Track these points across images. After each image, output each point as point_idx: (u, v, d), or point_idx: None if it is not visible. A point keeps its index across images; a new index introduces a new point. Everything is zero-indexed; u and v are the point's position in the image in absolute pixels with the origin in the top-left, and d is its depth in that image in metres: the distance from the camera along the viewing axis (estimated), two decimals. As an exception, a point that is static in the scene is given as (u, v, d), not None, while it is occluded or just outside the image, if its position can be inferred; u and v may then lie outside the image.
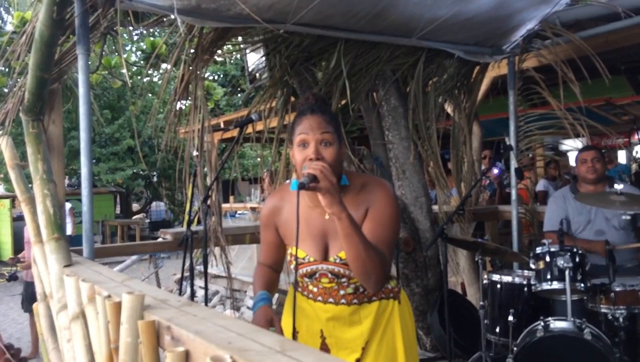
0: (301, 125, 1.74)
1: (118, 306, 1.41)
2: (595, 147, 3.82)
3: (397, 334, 1.88)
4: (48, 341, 2.51)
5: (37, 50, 2.53)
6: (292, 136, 1.79)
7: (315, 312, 1.88)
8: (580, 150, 3.67)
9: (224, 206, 11.37)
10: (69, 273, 2.04)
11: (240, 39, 3.66)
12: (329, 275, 1.82)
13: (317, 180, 1.56)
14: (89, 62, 4.81)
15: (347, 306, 1.84)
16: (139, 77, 8.76)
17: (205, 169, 3.35)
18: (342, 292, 1.84)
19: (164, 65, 3.63)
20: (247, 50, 3.84)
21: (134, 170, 16.85)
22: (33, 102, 2.78)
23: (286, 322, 1.98)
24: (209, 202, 3.05)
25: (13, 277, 5.75)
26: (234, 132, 2.94)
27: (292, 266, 1.85)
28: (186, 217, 3.14)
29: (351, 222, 1.59)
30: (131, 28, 3.11)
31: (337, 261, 1.78)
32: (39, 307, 2.68)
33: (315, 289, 1.87)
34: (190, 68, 3.22)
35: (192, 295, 2.83)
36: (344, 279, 1.82)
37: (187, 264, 2.92)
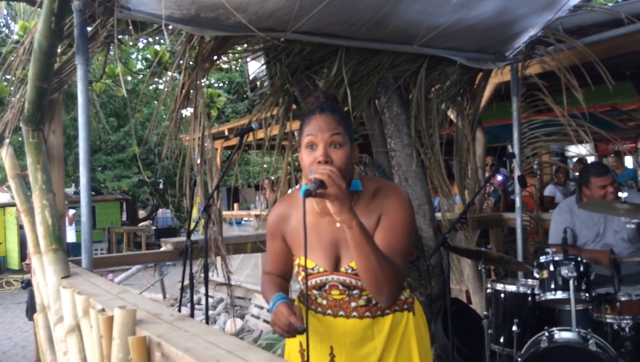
0: (309, 125, 1.64)
1: (110, 321, 1.39)
2: (607, 169, 3.60)
3: (413, 350, 1.79)
4: (47, 353, 2.49)
5: (36, 60, 2.52)
6: (300, 137, 1.69)
7: (324, 327, 1.78)
8: (595, 175, 3.45)
9: (230, 213, 11.39)
10: (65, 285, 2.03)
11: (239, 47, 3.66)
12: (340, 286, 1.73)
13: (324, 186, 1.46)
14: (95, 70, 4.83)
15: (360, 320, 1.75)
16: (145, 85, 8.81)
17: (207, 177, 3.34)
18: (353, 304, 1.75)
19: (170, 73, 3.64)
20: (248, 59, 3.83)
21: (140, 178, 16.92)
22: (33, 112, 2.78)
23: (292, 341, 1.88)
24: (209, 211, 3.03)
25: (28, 284, 5.82)
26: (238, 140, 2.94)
27: (300, 278, 1.78)
28: (192, 225, 3.12)
29: (362, 231, 1.49)
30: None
31: (349, 271, 1.69)
32: (38, 318, 2.67)
33: (324, 302, 1.78)
34: (191, 77, 3.21)
35: (192, 307, 2.81)
36: (355, 291, 1.73)
37: (194, 273, 2.91)
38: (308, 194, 1.45)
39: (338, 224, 1.68)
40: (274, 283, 1.79)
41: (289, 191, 4.06)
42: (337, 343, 1.76)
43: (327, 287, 1.75)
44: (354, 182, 1.71)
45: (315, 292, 1.78)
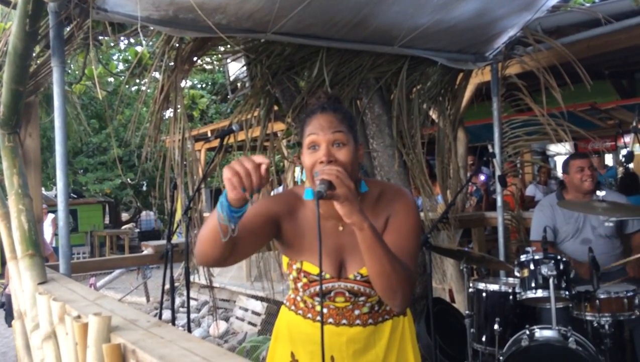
0: (310, 125, 1.58)
1: (85, 328, 1.37)
2: (587, 154, 3.70)
3: (409, 353, 1.75)
4: (24, 360, 2.46)
5: (11, 63, 2.49)
6: (301, 139, 1.62)
7: (326, 336, 1.65)
8: (573, 157, 3.52)
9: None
10: (42, 291, 1.99)
11: (221, 48, 3.63)
12: (347, 294, 1.66)
13: (333, 187, 1.37)
14: (76, 71, 4.75)
15: (363, 327, 1.69)
16: (127, 87, 8.71)
17: (187, 178, 3.32)
18: (356, 312, 1.69)
19: (150, 74, 3.59)
20: (229, 60, 3.81)
21: (122, 180, 16.72)
22: (8, 115, 2.74)
23: (281, 351, 1.79)
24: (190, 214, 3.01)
25: (2, 304, 5.78)
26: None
27: (301, 284, 1.68)
28: (176, 226, 3.08)
29: (374, 233, 1.43)
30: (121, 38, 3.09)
31: (358, 278, 1.63)
32: (15, 324, 2.63)
33: (324, 310, 1.70)
34: (170, 78, 3.18)
35: (173, 311, 2.78)
36: (362, 298, 1.67)
37: (177, 276, 2.88)
38: (320, 196, 1.35)
39: (341, 228, 1.64)
40: None
41: (272, 192, 4.04)
42: (338, 353, 1.69)
43: (331, 294, 1.68)
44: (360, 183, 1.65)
45: (317, 299, 1.69)
